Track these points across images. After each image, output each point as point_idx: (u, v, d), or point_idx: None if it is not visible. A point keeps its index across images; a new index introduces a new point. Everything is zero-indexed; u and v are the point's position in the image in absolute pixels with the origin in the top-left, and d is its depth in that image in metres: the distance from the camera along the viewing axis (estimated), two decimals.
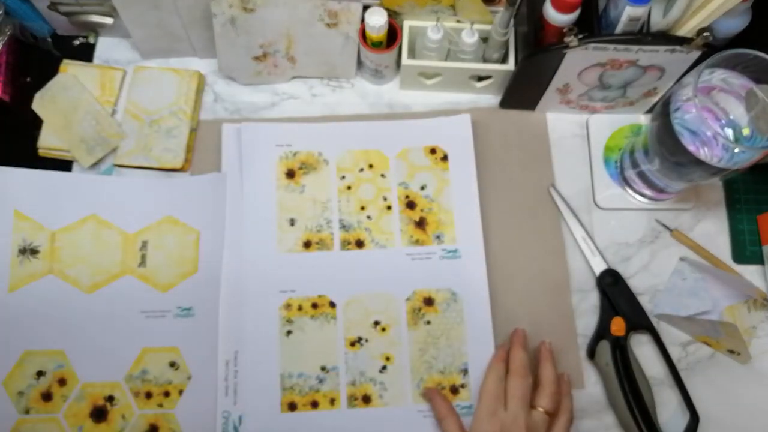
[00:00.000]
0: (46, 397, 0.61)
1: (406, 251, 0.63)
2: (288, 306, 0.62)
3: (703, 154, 0.55)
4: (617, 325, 0.63)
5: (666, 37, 0.58)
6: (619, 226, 0.68)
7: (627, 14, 0.57)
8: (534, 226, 0.68)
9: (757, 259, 0.67)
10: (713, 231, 0.69)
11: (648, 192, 0.68)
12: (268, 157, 0.66)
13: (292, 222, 0.63)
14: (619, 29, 0.58)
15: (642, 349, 0.64)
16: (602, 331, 0.63)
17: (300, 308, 0.62)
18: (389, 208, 0.61)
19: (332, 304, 0.62)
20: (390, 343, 0.62)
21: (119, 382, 0.61)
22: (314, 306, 0.62)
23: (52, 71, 0.69)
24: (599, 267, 0.66)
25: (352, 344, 0.61)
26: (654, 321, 0.64)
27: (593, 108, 0.71)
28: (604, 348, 0.63)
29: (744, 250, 0.68)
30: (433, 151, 0.61)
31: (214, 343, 0.62)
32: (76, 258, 0.64)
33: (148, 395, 0.61)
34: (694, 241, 0.67)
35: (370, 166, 0.62)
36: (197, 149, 0.69)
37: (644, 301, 0.65)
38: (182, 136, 0.68)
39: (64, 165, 0.68)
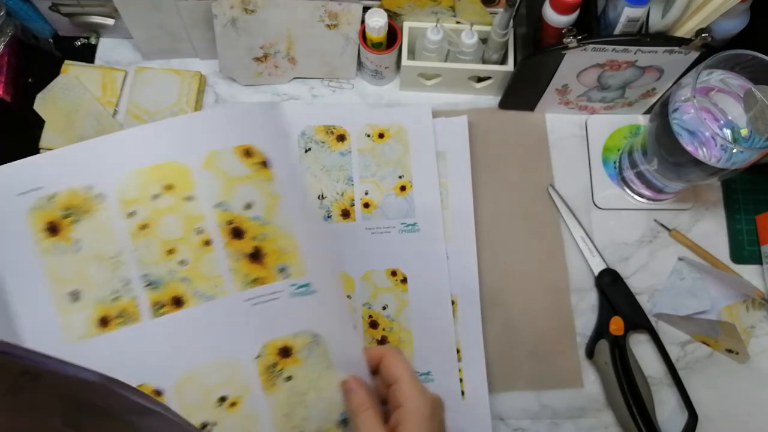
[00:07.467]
0: None
1: (243, 296, 0.44)
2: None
3: (702, 154, 0.55)
4: (616, 325, 0.63)
5: (665, 38, 0.58)
6: (618, 226, 0.69)
7: (626, 15, 0.57)
8: (533, 225, 0.68)
9: (755, 258, 0.68)
10: (712, 231, 0.69)
11: (646, 192, 0.68)
12: (13, 213, 0.42)
13: (75, 296, 0.42)
14: (617, 30, 0.59)
15: (641, 348, 0.64)
16: (601, 331, 0.64)
17: None
18: (207, 243, 0.43)
19: (158, 393, 0.43)
20: (245, 419, 0.44)
21: None
22: None
23: (53, 72, 0.69)
24: (598, 267, 0.66)
25: None
26: (653, 320, 0.65)
27: (592, 108, 0.71)
28: (603, 347, 0.63)
29: (742, 250, 0.68)
30: (247, 153, 0.43)
31: None
32: None
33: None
34: (692, 241, 0.67)
35: (168, 187, 0.42)
36: None
37: (643, 300, 0.65)
38: None
39: None
